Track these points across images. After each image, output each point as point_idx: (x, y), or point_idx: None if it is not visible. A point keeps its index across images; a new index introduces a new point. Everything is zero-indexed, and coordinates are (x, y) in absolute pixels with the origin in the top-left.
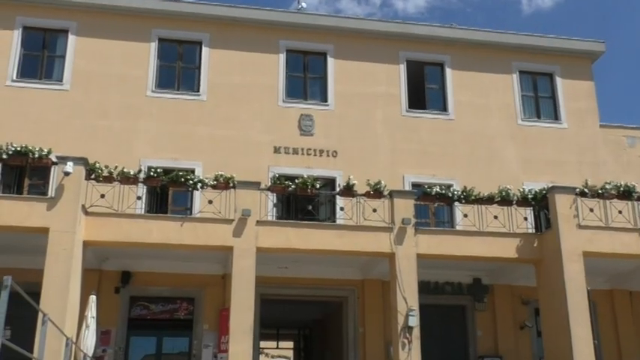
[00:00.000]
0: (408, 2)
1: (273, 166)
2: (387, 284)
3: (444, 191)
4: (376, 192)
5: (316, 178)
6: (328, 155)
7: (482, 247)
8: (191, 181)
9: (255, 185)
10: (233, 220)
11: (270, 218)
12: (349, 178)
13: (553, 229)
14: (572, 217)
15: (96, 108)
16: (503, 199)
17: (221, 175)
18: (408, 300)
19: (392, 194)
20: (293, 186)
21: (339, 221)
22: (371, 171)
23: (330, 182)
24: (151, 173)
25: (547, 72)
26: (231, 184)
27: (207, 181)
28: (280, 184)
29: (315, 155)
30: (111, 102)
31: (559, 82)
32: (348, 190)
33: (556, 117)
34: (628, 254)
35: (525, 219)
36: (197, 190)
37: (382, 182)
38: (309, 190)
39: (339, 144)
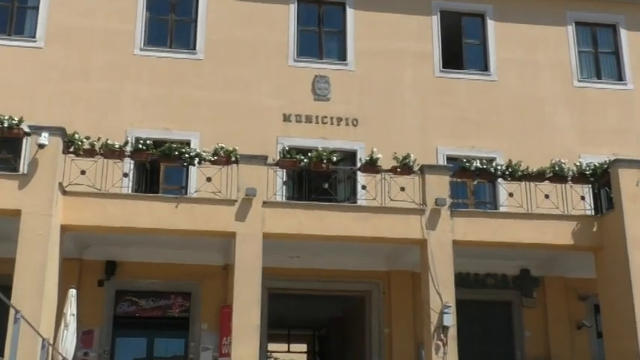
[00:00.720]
0: None
1: (283, 137)
2: (417, 276)
3: (485, 166)
4: (404, 167)
5: (333, 151)
6: (347, 124)
7: (531, 233)
8: (186, 155)
9: (261, 160)
10: (235, 201)
11: (278, 199)
12: (372, 151)
13: (616, 210)
14: (639, 196)
15: (75, 69)
16: (556, 175)
17: (221, 148)
18: (442, 295)
19: (423, 170)
20: (306, 160)
21: (360, 202)
22: (398, 142)
23: (349, 156)
24: (140, 146)
25: (609, 23)
26: (233, 159)
27: (205, 155)
28: (291, 159)
29: (331, 124)
30: (92, 62)
31: (623, 34)
32: (371, 166)
33: (619, 77)
34: None
35: (582, 198)
36: (193, 165)
37: (411, 156)
38: (324, 166)
39: (360, 111)
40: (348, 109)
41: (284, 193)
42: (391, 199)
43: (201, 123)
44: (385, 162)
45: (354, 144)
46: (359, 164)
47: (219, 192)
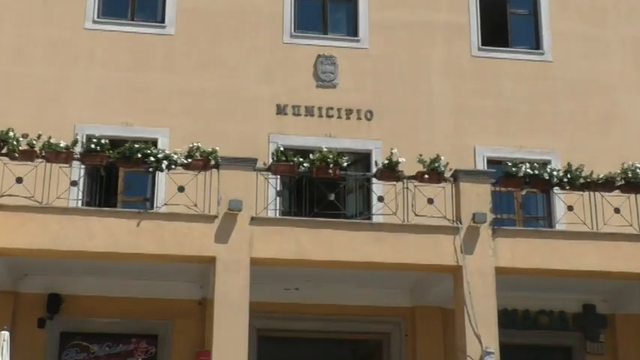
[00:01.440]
0: None
1: (276, 135)
2: (449, 314)
3: (536, 171)
4: (433, 173)
5: (341, 153)
6: (359, 117)
7: (598, 257)
8: (152, 158)
9: (248, 163)
10: (215, 217)
11: (271, 214)
12: (392, 153)
13: None
14: None
15: (8, 47)
16: (630, 183)
17: (197, 149)
18: (482, 338)
19: (457, 176)
20: (306, 164)
21: (376, 218)
22: (425, 141)
23: (362, 159)
24: (93, 146)
25: None
26: (213, 162)
27: (176, 157)
28: (287, 162)
29: (339, 117)
30: (31, 38)
31: None
32: (391, 171)
33: None
34: None
35: None
36: (161, 171)
37: (442, 158)
38: (330, 171)
39: (375, 100)
40: (360, 99)
41: (278, 207)
42: (416, 215)
43: (171, 117)
44: (408, 166)
45: (367, 143)
46: (374, 169)
47: (195, 205)
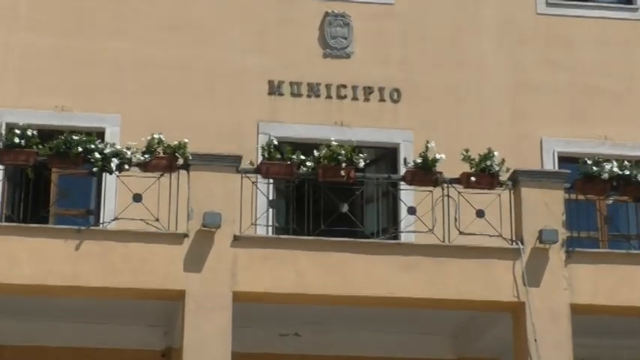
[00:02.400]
0: None
1: (268, 123)
2: None
3: (627, 172)
4: (484, 175)
5: (357, 148)
6: (382, 99)
7: None
8: (97, 155)
9: (229, 162)
10: (185, 237)
11: (262, 232)
12: (427, 147)
13: None
14: None
15: None
16: None
17: (159, 142)
18: None
19: (517, 179)
20: (309, 164)
21: (406, 237)
22: (472, 131)
23: (386, 155)
24: (16, 139)
25: None
26: (181, 161)
27: (130, 154)
28: (282, 161)
29: (354, 99)
30: None
31: None
32: (426, 172)
33: None
34: None
35: None
36: (110, 172)
37: (496, 154)
38: (342, 173)
39: (404, 75)
40: (382, 73)
41: (271, 222)
42: (460, 232)
43: (123, 98)
44: (450, 166)
45: (393, 134)
46: (403, 170)
47: (157, 220)
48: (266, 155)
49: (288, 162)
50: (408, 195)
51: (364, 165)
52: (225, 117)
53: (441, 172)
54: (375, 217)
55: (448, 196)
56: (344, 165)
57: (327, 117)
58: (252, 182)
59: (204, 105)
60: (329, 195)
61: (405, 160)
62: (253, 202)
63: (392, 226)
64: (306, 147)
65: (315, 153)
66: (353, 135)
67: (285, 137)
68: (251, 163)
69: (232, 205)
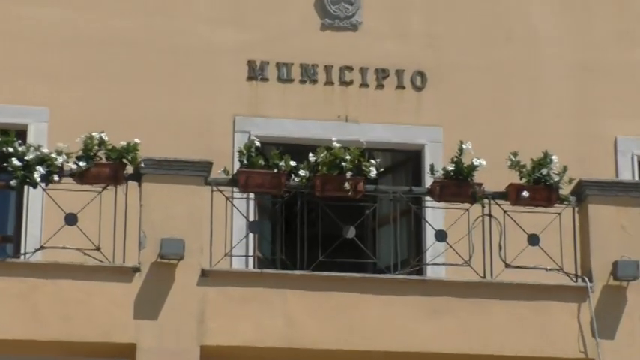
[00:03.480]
0: None
1: (248, 118)
2: None
3: None
4: (539, 188)
5: (367, 152)
6: (401, 85)
7: None
8: (16, 162)
9: (195, 171)
10: (136, 272)
11: (238, 265)
12: (461, 149)
13: None
14: None
15: None
16: None
17: (100, 144)
18: None
19: (583, 192)
20: (303, 173)
21: (432, 272)
22: (520, 128)
23: (406, 161)
24: None
25: None
26: (130, 170)
27: (61, 160)
28: (267, 169)
29: (363, 85)
30: None
31: None
32: (460, 184)
33: None
34: None
35: None
36: (34, 186)
37: (554, 159)
38: (347, 186)
39: (430, 53)
40: (401, 51)
41: (252, 251)
42: (506, 264)
43: (54, 86)
44: (491, 174)
45: (415, 132)
46: (429, 181)
47: (97, 249)
48: (245, 162)
49: (275, 170)
50: (436, 215)
51: (377, 175)
52: (190, 110)
53: (480, 184)
54: (392, 244)
55: (490, 216)
56: (349, 175)
57: (326, 110)
58: (227, 198)
59: (162, 94)
60: (329, 215)
61: (432, 167)
62: (228, 225)
63: (414, 257)
64: (298, 150)
65: (311, 158)
66: (362, 134)
67: (270, 137)
68: (225, 172)
69: (199, 228)
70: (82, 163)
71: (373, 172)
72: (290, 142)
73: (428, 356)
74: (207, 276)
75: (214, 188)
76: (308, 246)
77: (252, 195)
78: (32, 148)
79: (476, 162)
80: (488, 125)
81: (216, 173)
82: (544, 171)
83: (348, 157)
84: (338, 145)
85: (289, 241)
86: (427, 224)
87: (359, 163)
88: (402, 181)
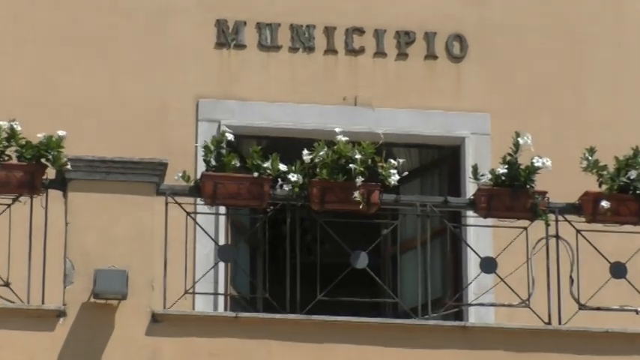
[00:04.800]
0: None
1: (218, 101)
2: None
3: None
4: (625, 196)
5: (383, 150)
6: (432, 54)
7: None
8: None
9: (142, 175)
10: (60, 316)
11: (205, 307)
12: (517, 144)
13: None
14: None
15: None
16: None
17: (10, 137)
18: None
19: None
20: (294, 177)
21: (478, 314)
22: (601, 116)
23: (439, 161)
24: None
25: None
26: (53, 173)
27: None
28: (243, 170)
29: (378, 55)
30: None
31: None
32: (514, 193)
33: None
34: None
35: None
36: None
37: None
38: (357, 195)
39: (472, 9)
40: (432, 6)
41: (224, 287)
42: (581, 306)
43: None
44: (559, 179)
45: (452, 120)
46: (471, 188)
47: (6, 285)
48: (213, 162)
49: (256, 174)
50: (481, 236)
51: (399, 180)
52: (136, 91)
53: (543, 193)
54: (420, 277)
55: (558, 237)
56: (360, 180)
57: (327, 89)
58: (188, 213)
59: (97, 69)
60: (332, 237)
61: (475, 170)
62: (189, 251)
63: (451, 295)
64: (289, 146)
65: (306, 157)
66: (377, 123)
67: (248, 127)
68: (185, 178)
69: (149, 256)
70: None
71: (394, 177)
72: (277, 134)
73: None
74: (160, 322)
75: (170, 199)
76: (302, 280)
77: (222, 209)
78: None
79: (538, 162)
80: (554, 111)
81: (173, 179)
82: (632, 174)
83: (358, 156)
84: (344, 138)
85: (276, 273)
86: (469, 249)
87: (373, 165)
88: (434, 188)
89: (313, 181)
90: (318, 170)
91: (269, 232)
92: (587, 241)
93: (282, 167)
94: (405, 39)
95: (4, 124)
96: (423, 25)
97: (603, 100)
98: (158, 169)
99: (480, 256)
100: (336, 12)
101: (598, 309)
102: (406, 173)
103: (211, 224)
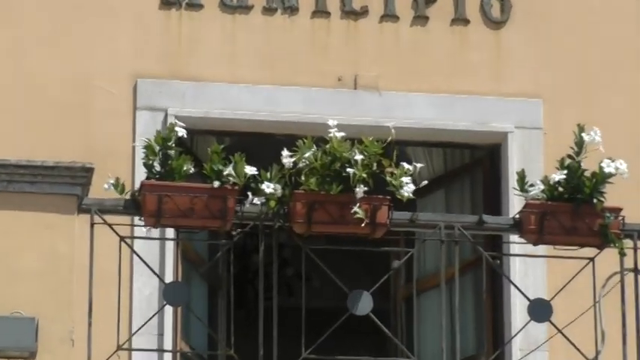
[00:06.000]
0: None
1: (162, 81)
2: None
3: None
4: None
5: (394, 149)
6: (462, 17)
7: None
8: None
9: (56, 183)
10: None
11: None
12: (582, 137)
13: None
14: None
15: None
16: None
17: None
18: None
19: None
20: (270, 188)
21: None
22: None
23: (473, 165)
24: None
25: None
26: None
27: None
28: (200, 178)
29: (384, 19)
30: None
31: None
32: (577, 209)
33: None
34: None
35: None
36: None
37: None
38: (359, 212)
39: None
40: None
41: (171, 342)
42: None
43: None
44: (633, 190)
45: (490, 108)
46: (515, 204)
47: None
48: (157, 167)
49: (217, 184)
50: (529, 269)
51: (416, 192)
52: (50, 68)
53: (617, 211)
54: (445, 327)
55: (637, 270)
56: (360, 191)
57: (316, 66)
58: (122, 238)
59: None
60: (321, 271)
61: (521, 177)
62: (124, 291)
63: (488, 352)
64: (261, 145)
65: (287, 160)
66: (384, 112)
67: (205, 119)
68: (120, 190)
69: (67, 297)
70: None
71: (408, 188)
72: (245, 127)
73: None
74: None
75: (97, 218)
76: (281, 332)
77: (170, 232)
78: None
79: (609, 166)
80: (631, 96)
81: (101, 189)
82: None
83: (358, 158)
84: (339, 134)
85: (244, 321)
86: (513, 288)
87: (380, 170)
88: (465, 204)
89: (297, 192)
90: (303, 178)
91: (235, 265)
92: None
93: (252, 172)
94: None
95: None
96: None
97: None
98: (80, 176)
99: (528, 298)
100: None
101: None
102: (425, 182)
103: (155, 254)
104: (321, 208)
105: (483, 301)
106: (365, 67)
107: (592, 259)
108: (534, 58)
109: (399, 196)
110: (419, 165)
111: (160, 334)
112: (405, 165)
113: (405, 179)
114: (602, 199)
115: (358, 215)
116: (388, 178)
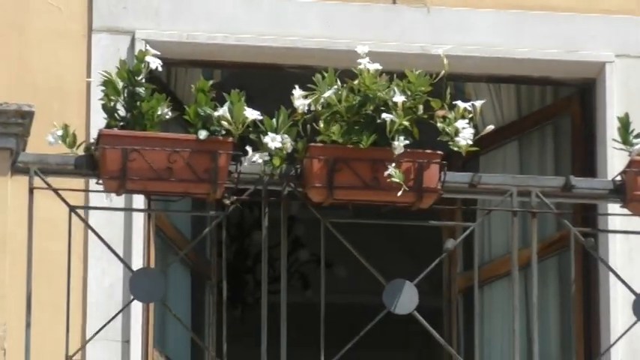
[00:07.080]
0: None
1: (131, 3)
2: None
3: None
4: None
5: (442, 86)
6: None
7: None
8: None
9: None
10: None
11: None
12: None
13: None
14: None
15: None
16: None
17: None
18: None
19: None
20: (275, 142)
21: None
22: None
23: (557, 111)
24: None
25: None
26: None
27: None
28: (183, 126)
29: None
30: None
31: None
32: None
33: None
34: None
35: None
36: None
37: None
38: (396, 177)
39: None
40: None
41: (140, 343)
42: None
43: None
44: None
45: (578, 31)
46: (616, 164)
47: None
48: (121, 111)
49: (203, 134)
50: (635, 252)
51: (477, 143)
52: None
53: None
54: (518, 328)
55: None
56: (401, 145)
57: None
58: (72, 208)
59: None
60: (347, 254)
61: (624, 124)
62: (76, 279)
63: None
64: (263, 80)
65: (300, 101)
66: (433, 35)
67: (187, 44)
68: (69, 142)
69: None
70: None
71: (466, 134)
72: (242, 57)
73: None
74: None
75: (39, 181)
76: (292, 336)
77: (140, 201)
78: None
79: None
80: None
81: (44, 141)
82: None
83: (398, 98)
84: (372, 65)
85: (240, 322)
86: (612, 276)
87: (428, 114)
88: (545, 161)
89: (313, 146)
90: (322, 126)
91: (229, 247)
92: None
93: (253, 115)
94: None
95: None
96: None
97: None
98: (14, 123)
99: (634, 292)
100: None
101: None
102: (491, 127)
103: (119, 230)
104: (347, 168)
105: (571, 294)
106: None
107: None
108: None
109: (454, 147)
110: (478, 103)
111: (125, 341)
112: (462, 104)
113: (463, 123)
114: None
115: (395, 179)
116: (439, 124)
